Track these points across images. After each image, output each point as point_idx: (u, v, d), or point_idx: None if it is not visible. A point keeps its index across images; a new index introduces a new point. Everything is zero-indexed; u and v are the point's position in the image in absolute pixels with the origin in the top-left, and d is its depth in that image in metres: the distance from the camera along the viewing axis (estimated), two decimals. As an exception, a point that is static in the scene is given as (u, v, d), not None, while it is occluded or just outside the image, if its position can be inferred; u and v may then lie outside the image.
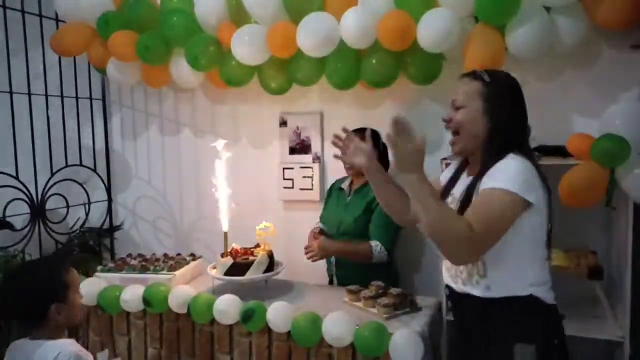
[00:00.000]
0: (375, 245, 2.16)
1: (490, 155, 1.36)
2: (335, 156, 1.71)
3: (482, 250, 1.29)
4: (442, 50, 2.08)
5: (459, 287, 1.45)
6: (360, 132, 2.33)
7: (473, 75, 1.43)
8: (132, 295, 2.17)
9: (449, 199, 1.48)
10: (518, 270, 1.35)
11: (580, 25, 1.95)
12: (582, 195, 1.83)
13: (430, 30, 2.01)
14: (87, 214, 3.16)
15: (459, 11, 2.01)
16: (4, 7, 2.61)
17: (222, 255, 2.23)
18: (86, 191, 3.14)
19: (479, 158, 1.41)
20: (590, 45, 2.08)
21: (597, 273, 1.98)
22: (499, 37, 1.99)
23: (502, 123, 1.37)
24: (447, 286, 1.52)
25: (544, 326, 1.36)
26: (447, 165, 1.81)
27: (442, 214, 1.25)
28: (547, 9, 1.95)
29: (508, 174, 1.29)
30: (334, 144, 1.68)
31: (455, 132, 1.44)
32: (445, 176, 1.62)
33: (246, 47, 2.32)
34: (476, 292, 1.39)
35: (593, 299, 2.13)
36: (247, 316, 1.95)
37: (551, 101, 2.21)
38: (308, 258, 2.25)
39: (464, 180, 1.47)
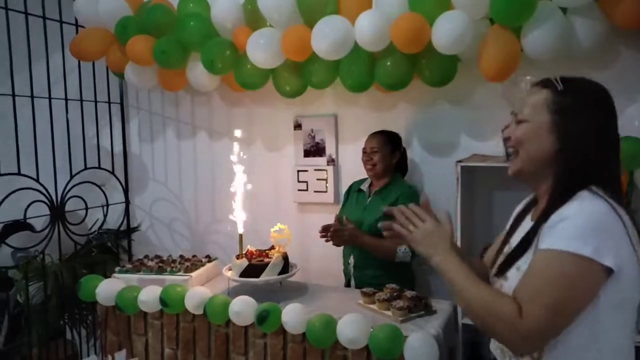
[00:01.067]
0: (401, 244, 2.17)
1: (558, 189, 1.06)
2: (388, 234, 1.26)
3: (545, 339, 0.99)
4: (457, 52, 2.08)
5: None
6: (379, 134, 2.35)
7: (543, 83, 1.13)
8: (149, 296, 2.20)
9: (506, 248, 1.19)
10: (586, 356, 1.01)
11: (597, 26, 1.93)
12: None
13: (445, 32, 2.00)
14: (105, 216, 3.21)
15: (473, 13, 2.01)
16: (26, 13, 2.67)
17: (238, 257, 2.25)
18: (104, 193, 3.20)
19: (546, 191, 1.11)
20: (607, 47, 2.05)
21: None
22: (515, 39, 1.98)
23: (577, 144, 1.05)
24: (492, 354, 1.23)
25: None
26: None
27: (478, 295, 1.02)
28: (564, 10, 1.94)
29: (575, 225, 0.96)
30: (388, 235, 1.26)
31: (515, 152, 1.15)
32: (513, 217, 1.31)
33: (261, 50, 2.34)
34: None
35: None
36: (262, 317, 1.96)
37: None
38: (327, 238, 2.24)
39: (525, 227, 1.16)
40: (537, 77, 1.18)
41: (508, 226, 1.27)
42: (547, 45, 1.93)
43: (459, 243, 2.05)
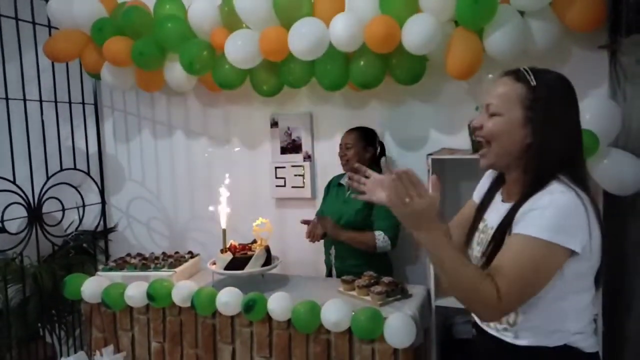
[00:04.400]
0: (379, 234, 2.29)
1: (532, 179, 1.15)
2: (355, 197, 1.47)
3: (512, 310, 1.14)
4: (426, 52, 2.21)
5: (484, 326, 1.29)
6: (353, 130, 2.47)
7: (515, 75, 1.17)
8: (136, 291, 2.26)
9: (481, 225, 1.29)
10: (555, 322, 1.15)
11: (552, 28, 2.10)
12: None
13: (414, 34, 2.14)
14: (81, 217, 3.21)
15: (440, 16, 2.14)
16: (-1, 15, 2.66)
17: (222, 251, 2.32)
18: (80, 194, 3.20)
19: (517, 179, 1.20)
20: (561, 47, 2.23)
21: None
22: (478, 40, 2.13)
23: (548, 139, 1.12)
24: (474, 323, 1.35)
25: None
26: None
27: (464, 277, 1.08)
28: (522, 13, 2.10)
29: (546, 215, 1.07)
30: (350, 184, 1.45)
31: (487, 142, 1.20)
32: (479, 193, 1.41)
33: (239, 51, 2.42)
34: (503, 337, 1.21)
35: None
36: (249, 307, 2.05)
37: (527, 99, 2.36)
38: (311, 239, 2.41)
39: (498, 206, 1.26)
40: (497, 74, 1.28)
41: (478, 200, 1.38)
42: (506, 46, 2.09)
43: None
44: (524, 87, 1.14)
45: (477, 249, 1.28)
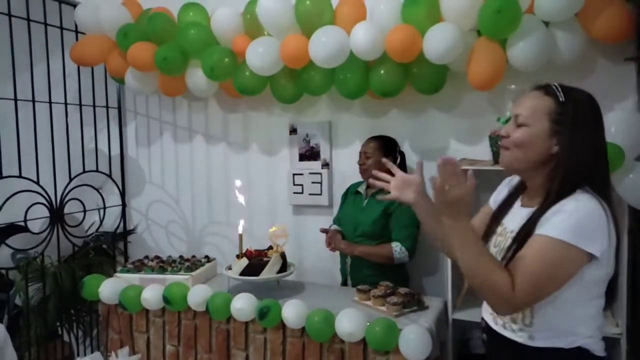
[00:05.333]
0: (396, 245, 2.27)
1: (558, 186, 1.18)
2: (380, 198, 1.56)
3: (525, 305, 1.18)
4: (447, 62, 2.20)
5: (498, 328, 1.31)
6: (373, 139, 2.46)
7: (545, 89, 1.23)
8: (152, 294, 2.28)
9: (499, 229, 1.34)
10: (569, 325, 1.20)
11: (577, 39, 2.07)
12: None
13: (436, 43, 2.12)
14: (102, 218, 3.26)
15: (462, 25, 2.13)
16: (28, 19, 2.73)
17: (238, 257, 2.33)
18: (102, 196, 3.25)
19: (540, 185, 1.25)
20: (586, 58, 2.19)
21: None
22: (501, 50, 2.10)
23: (574, 150, 1.18)
24: (484, 321, 1.39)
25: None
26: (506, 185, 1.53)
27: (483, 264, 1.15)
28: (546, 23, 2.07)
29: (569, 219, 1.12)
30: (372, 184, 1.51)
31: (506, 148, 1.26)
32: (495, 199, 1.46)
33: (260, 58, 2.44)
34: (517, 338, 1.25)
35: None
36: (263, 313, 2.05)
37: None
38: (331, 248, 2.41)
39: (518, 211, 1.31)
40: (520, 86, 1.30)
41: (494, 206, 1.43)
42: (530, 57, 2.06)
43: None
44: (553, 102, 1.20)
45: (494, 251, 1.31)
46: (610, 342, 2.12)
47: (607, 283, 1.21)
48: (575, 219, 1.11)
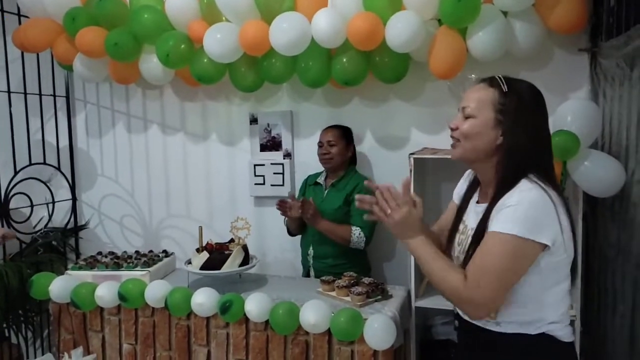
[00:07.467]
0: (355, 230, 2.28)
1: (503, 179, 1.22)
2: (367, 218, 1.38)
3: (492, 306, 1.20)
4: (409, 50, 2.19)
5: (466, 318, 1.32)
6: (335, 128, 2.44)
7: (490, 81, 1.26)
8: (107, 291, 2.17)
9: (461, 227, 1.37)
10: (534, 312, 1.22)
11: (535, 30, 2.10)
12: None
13: (398, 31, 2.11)
14: (51, 214, 3.10)
15: (424, 14, 2.12)
16: (-36, 1, 2.54)
17: (198, 250, 2.26)
18: (50, 190, 3.08)
19: (490, 180, 1.28)
20: (543, 49, 2.23)
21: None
22: (461, 40, 2.12)
23: (516, 140, 1.21)
24: (456, 314, 1.39)
25: None
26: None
27: (436, 269, 1.22)
28: (505, 13, 2.10)
29: (515, 213, 1.14)
30: (362, 207, 1.38)
31: (457, 140, 1.29)
32: (459, 193, 1.48)
33: (219, 45, 2.35)
34: (485, 326, 1.28)
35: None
36: (225, 307, 1.99)
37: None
38: (283, 211, 2.32)
39: (475, 208, 1.34)
40: (480, 75, 1.32)
41: (458, 202, 1.46)
42: (490, 46, 2.08)
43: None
44: (497, 92, 1.23)
45: (457, 249, 1.34)
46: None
47: (569, 266, 1.24)
48: (521, 211, 1.13)
